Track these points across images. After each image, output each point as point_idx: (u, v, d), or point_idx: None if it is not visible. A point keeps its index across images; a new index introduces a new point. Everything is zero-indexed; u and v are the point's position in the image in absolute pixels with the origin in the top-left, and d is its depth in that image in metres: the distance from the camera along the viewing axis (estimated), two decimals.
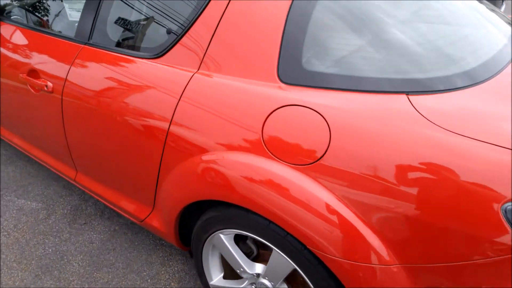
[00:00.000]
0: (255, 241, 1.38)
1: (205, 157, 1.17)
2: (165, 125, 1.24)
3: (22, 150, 2.12)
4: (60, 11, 1.83)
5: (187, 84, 1.20)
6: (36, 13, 1.88)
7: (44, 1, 1.90)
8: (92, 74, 1.43)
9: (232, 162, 1.11)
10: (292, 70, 1.08)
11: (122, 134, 1.37)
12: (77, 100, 1.48)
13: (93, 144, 1.53)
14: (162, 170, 1.33)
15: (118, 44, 1.42)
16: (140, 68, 1.31)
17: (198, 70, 1.21)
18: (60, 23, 1.79)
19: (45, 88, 1.57)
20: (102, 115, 1.41)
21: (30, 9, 1.90)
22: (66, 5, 1.77)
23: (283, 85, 1.08)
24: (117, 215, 2.07)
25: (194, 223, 1.47)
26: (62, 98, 1.53)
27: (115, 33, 1.45)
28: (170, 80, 1.24)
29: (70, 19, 1.77)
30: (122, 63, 1.36)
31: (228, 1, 1.18)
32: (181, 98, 1.20)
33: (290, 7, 1.11)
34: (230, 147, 1.12)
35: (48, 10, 1.88)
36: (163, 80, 1.25)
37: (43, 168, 2.46)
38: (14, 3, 2.00)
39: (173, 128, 1.22)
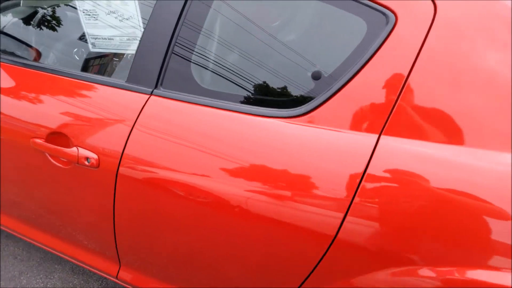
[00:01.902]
0: None
1: (425, 273, 0.77)
2: (333, 224, 0.81)
3: (15, 234, 1.51)
4: (72, 39, 1.30)
5: (370, 158, 0.79)
6: (36, 44, 1.32)
7: (45, 24, 1.34)
8: (179, 142, 0.95)
9: None
10: None
11: (240, 233, 0.91)
12: (150, 180, 0.99)
13: (172, 239, 1.05)
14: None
15: (217, 95, 0.96)
16: (274, 132, 0.87)
17: (380, 134, 0.80)
18: (79, 58, 1.25)
19: (86, 162, 1.05)
20: (202, 206, 0.94)
21: (23, 38, 1.33)
22: (86, 30, 1.24)
23: None
24: None
25: None
26: (117, 176, 1.02)
27: (211, 78, 0.98)
28: (339, 151, 0.81)
29: (93, 49, 1.25)
30: (236, 126, 0.90)
31: (432, 16, 0.78)
32: (363, 181, 0.79)
33: None
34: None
35: (52, 38, 1.32)
36: (325, 152, 0.82)
37: (33, 246, 1.83)
38: None
39: (346, 229, 0.80)
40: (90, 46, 1.24)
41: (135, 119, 0.99)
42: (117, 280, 1.32)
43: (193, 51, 0.98)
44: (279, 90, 0.91)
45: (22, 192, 1.31)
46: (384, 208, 0.78)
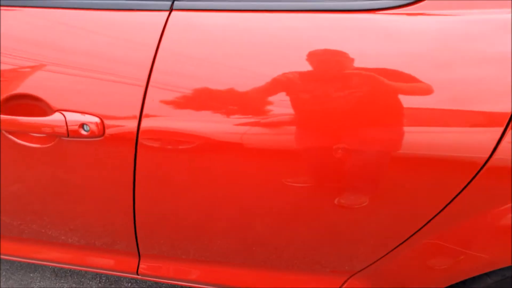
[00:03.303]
0: None
1: None
2: (487, 146, 0.62)
3: None
4: None
5: None
6: None
7: None
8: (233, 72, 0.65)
9: None
10: None
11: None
12: (190, 140, 0.69)
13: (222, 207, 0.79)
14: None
15: None
16: (377, 32, 0.62)
17: None
18: None
19: (82, 131, 0.70)
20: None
21: None
22: None
23: None
24: None
25: None
26: (137, 141, 0.70)
27: None
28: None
29: None
30: (328, 31, 0.63)
31: None
32: None
33: None
34: None
35: None
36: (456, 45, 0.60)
37: None
38: None
39: (502, 150, 0.61)
40: None
41: (153, 54, 0.66)
42: (137, 276, 1.03)
43: None
44: None
45: None
46: None
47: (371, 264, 0.85)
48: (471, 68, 0.60)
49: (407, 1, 0.61)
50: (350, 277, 0.90)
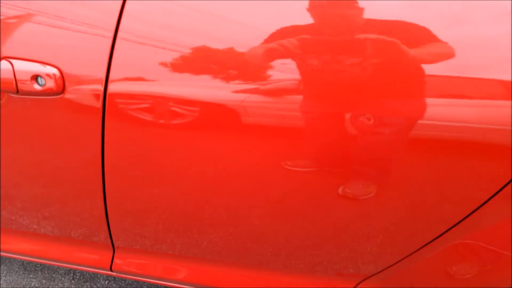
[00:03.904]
0: None
1: None
2: None
3: None
4: None
5: None
6: None
7: None
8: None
9: None
10: None
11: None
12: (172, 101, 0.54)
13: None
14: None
15: None
16: None
17: None
18: None
19: (36, 86, 0.55)
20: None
21: None
22: None
23: None
24: None
25: None
26: (105, 102, 0.55)
27: None
28: None
29: None
30: None
31: None
32: None
33: None
34: None
35: None
36: None
37: None
38: None
39: None
40: None
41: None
42: (111, 273, 0.88)
43: None
44: None
45: None
46: None
47: (382, 270, 0.70)
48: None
49: None
50: (359, 283, 0.75)
